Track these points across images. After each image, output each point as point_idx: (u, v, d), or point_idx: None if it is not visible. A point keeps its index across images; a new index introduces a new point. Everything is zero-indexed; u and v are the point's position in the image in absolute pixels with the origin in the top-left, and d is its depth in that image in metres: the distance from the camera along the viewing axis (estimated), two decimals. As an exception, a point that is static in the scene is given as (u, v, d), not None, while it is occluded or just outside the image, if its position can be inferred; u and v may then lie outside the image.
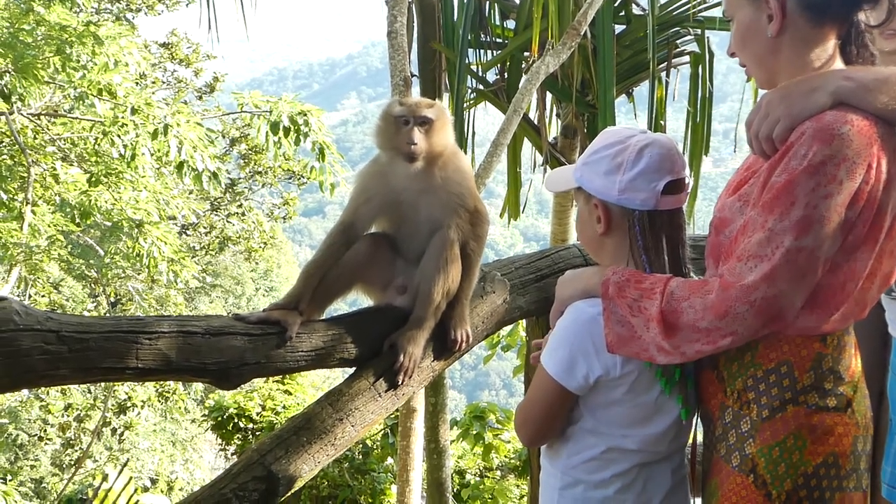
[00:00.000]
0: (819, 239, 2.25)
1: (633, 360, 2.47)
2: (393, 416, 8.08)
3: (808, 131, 2.28)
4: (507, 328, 8.48)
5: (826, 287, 2.33)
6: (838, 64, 2.44)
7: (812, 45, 2.43)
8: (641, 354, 2.42)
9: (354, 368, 3.96)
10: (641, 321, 2.39)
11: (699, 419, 2.63)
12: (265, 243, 19.25)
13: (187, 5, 13.19)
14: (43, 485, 17.18)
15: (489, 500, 9.68)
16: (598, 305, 2.47)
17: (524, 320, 4.71)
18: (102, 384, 16.20)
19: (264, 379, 9.59)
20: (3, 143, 12.27)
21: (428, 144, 3.71)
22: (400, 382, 3.86)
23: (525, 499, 8.82)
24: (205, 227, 17.65)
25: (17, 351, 3.20)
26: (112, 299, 17.02)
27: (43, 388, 15.79)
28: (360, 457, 8.94)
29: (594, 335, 2.46)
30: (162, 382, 16.84)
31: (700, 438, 2.75)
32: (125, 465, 14.12)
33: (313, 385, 11.28)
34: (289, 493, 3.95)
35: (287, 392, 10.10)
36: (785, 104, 2.34)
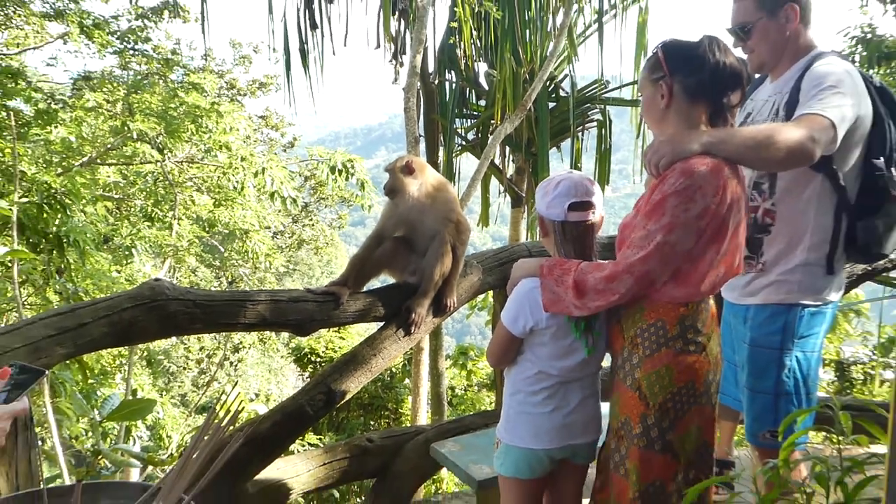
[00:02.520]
0: (678, 238, 2.25)
1: (556, 317, 2.47)
2: (408, 352, 8.07)
3: (678, 167, 2.28)
4: (481, 296, 8.49)
5: (688, 272, 2.33)
6: (704, 127, 2.43)
7: (688, 115, 2.40)
8: (564, 311, 2.43)
9: (384, 322, 3.97)
10: (563, 290, 2.39)
11: (610, 355, 2.63)
12: (327, 244, 19.25)
13: (276, 91, 13.22)
14: (185, 398, 17.12)
15: (470, 405, 9.71)
16: (537, 282, 2.48)
17: (492, 291, 4.71)
18: (223, 334, 16.23)
19: (327, 329, 9.53)
20: (159, 180, 12.28)
21: (394, 186, 3.76)
22: (412, 331, 3.89)
23: (493, 404, 8.84)
24: (288, 233, 17.60)
25: (168, 313, 3.23)
26: (229, 280, 17.01)
27: (185, 337, 15.84)
28: (388, 378, 8.93)
29: (531, 301, 2.47)
30: (261, 332, 16.87)
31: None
32: (236, 383, 14.08)
33: (359, 334, 11.22)
34: (342, 402, 3.98)
35: (342, 338, 10.07)
36: (669, 147, 2.33)
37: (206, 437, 1.44)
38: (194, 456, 1.39)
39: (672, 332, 2.39)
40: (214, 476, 1.29)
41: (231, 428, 1.42)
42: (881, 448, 1.47)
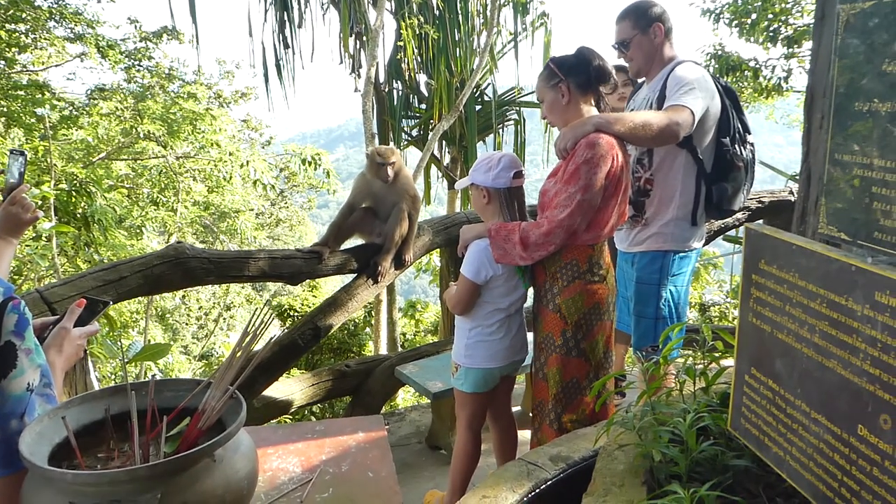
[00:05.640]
0: (592, 195, 2.38)
1: (506, 266, 2.55)
2: (368, 305, 8.11)
3: (583, 143, 2.40)
4: (425, 260, 8.57)
5: (596, 220, 2.46)
6: (594, 111, 2.56)
7: (581, 105, 2.53)
8: (511, 262, 2.52)
9: (356, 274, 4.05)
10: (510, 245, 2.48)
11: (533, 288, 2.75)
12: (299, 222, 19.06)
13: (256, 99, 13.00)
14: (187, 348, 16.88)
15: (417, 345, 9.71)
16: (487, 241, 2.55)
17: (438, 249, 4.80)
18: (220, 292, 15.99)
19: (302, 287, 9.46)
20: (163, 172, 12.08)
21: (393, 174, 3.80)
22: (379, 280, 3.97)
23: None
24: (268, 214, 17.37)
25: (189, 268, 3.27)
26: (220, 252, 16.80)
27: (187, 296, 15.64)
28: (353, 327, 8.91)
29: (487, 256, 2.53)
30: (249, 293, 16.68)
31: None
32: (229, 329, 14.00)
33: (326, 294, 11.19)
34: (324, 337, 4.05)
35: (314, 296, 9.97)
36: (572, 132, 2.45)
37: (242, 344, 1.55)
38: (237, 355, 1.50)
39: (583, 268, 2.51)
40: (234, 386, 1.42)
41: (257, 340, 1.54)
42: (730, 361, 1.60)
